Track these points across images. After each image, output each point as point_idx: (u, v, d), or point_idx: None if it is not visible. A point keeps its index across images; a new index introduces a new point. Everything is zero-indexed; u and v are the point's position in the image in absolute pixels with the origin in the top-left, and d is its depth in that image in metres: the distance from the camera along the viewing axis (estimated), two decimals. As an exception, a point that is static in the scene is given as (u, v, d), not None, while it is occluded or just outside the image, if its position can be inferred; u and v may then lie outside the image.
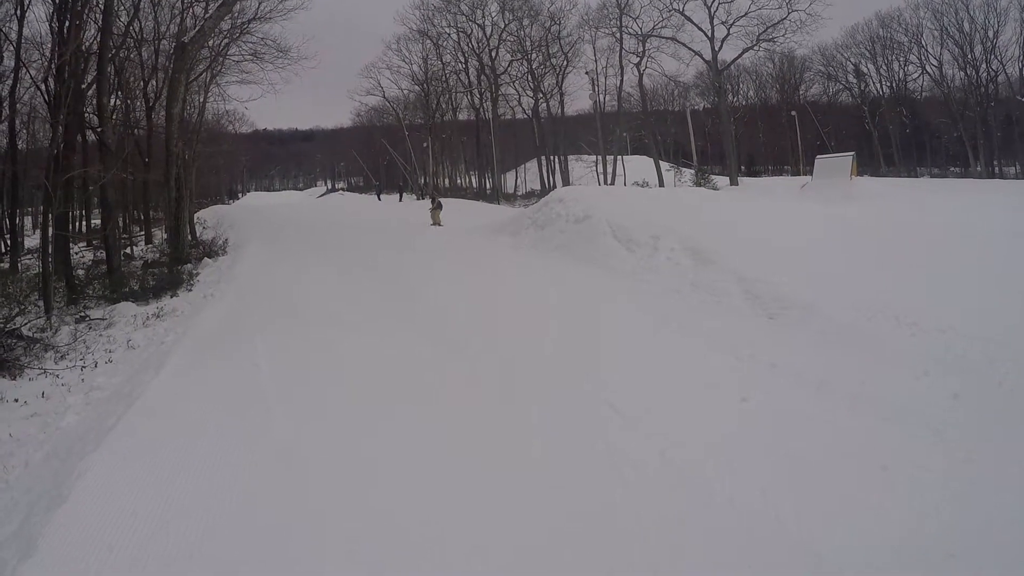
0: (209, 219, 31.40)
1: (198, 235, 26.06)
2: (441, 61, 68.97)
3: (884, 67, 77.99)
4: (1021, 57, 70.05)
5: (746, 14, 60.08)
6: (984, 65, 71.52)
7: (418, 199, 58.02)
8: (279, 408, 6.86)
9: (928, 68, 75.39)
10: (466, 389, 7.17)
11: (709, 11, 60.73)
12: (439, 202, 27.77)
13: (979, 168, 69.85)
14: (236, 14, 24.22)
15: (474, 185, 78.25)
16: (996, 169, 71.42)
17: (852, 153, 39.21)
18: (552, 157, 69.20)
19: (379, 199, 58.95)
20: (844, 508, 4.75)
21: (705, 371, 7.44)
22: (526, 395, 6.92)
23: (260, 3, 25.16)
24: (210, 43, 24.20)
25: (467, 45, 67.61)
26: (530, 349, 8.43)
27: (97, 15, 18.82)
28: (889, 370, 7.13)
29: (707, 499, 4.93)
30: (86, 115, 19.39)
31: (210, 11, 20.97)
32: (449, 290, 12.38)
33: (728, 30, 61.08)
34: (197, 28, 20.49)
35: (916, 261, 11.21)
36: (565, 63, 66.30)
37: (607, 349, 8.35)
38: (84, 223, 35.79)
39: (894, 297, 9.19)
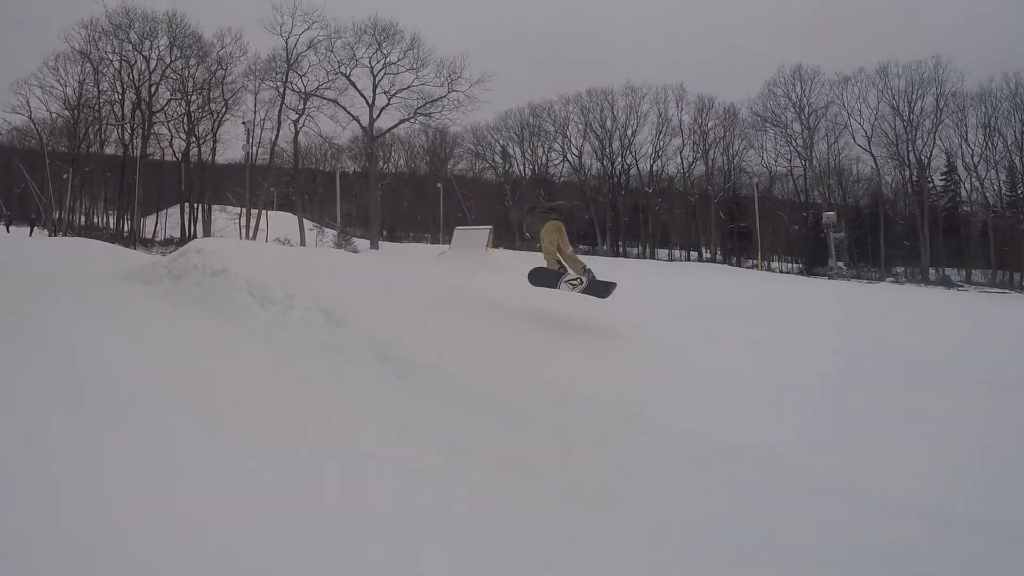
0: None
1: None
2: (98, 88, 65.79)
3: (530, 151, 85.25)
4: (652, 155, 79.63)
5: (409, 87, 63.05)
6: (620, 159, 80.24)
7: (51, 235, 54.33)
8: None
9: (569, 156, 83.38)
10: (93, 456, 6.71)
11: (374, 79, 63.22)
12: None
13: (605, 247, 76.93)
14: None
15: (111, 226, 74.30)
16: (621, 249, 79.00)
17: (490, 227, 41.49)
18: (196, 205, 67.52)
19: (8, 230, 54.49)
20: (455, 550, 5.04)
21: (335, 430, 7.53)
22: (161, 458, 6.59)
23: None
24: None
25: (128, 75, 65.20)
26: (155, 409, 8.06)
27: None
28: (493, 421, 7.69)
29: (336, 546, 5.01)
30: None
31: None
32: (77, 337, 11.53)
33: (389, 100, 63.99)
34: None
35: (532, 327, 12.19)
36: (224, 109, 65.96)
37: (234, 408, 8.17)
38: None
39: (506, 359, 9.95)
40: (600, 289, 12.76)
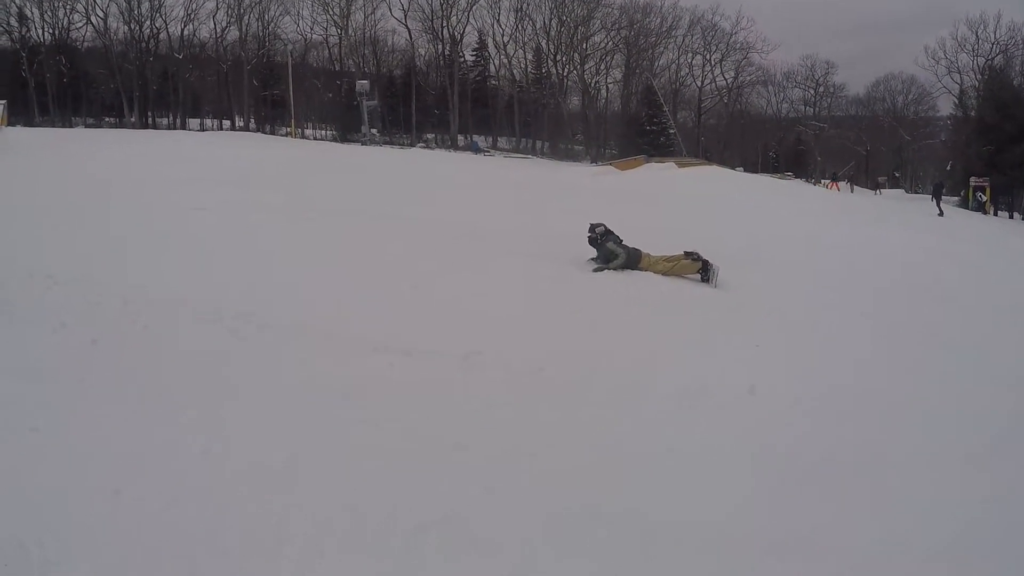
0: None
1: None
2: None
3: (49, 13, 76.05)
4: (184, 17, 75.25)
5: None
6: (149, 22, 74.69)
7: None
8: None
9: (93, 19, 76.07)
10: None
11: None
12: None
13: (133, 119, 72.49)
14: None
15: None
16: (150, 120, 75.05)
17: (4, 102, 37.66)
18: None
19: None
20: None
21: None
22: None
23: None
24: None
25: None
26: None
27: None
28: (25, 328, 7.20)
29: None
30: None
31: None
32: None
33: None
34: None
35: (63, 219, 11.52)
36: None
37: None
38: None
39: (26, 251, 9.68)
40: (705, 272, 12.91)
